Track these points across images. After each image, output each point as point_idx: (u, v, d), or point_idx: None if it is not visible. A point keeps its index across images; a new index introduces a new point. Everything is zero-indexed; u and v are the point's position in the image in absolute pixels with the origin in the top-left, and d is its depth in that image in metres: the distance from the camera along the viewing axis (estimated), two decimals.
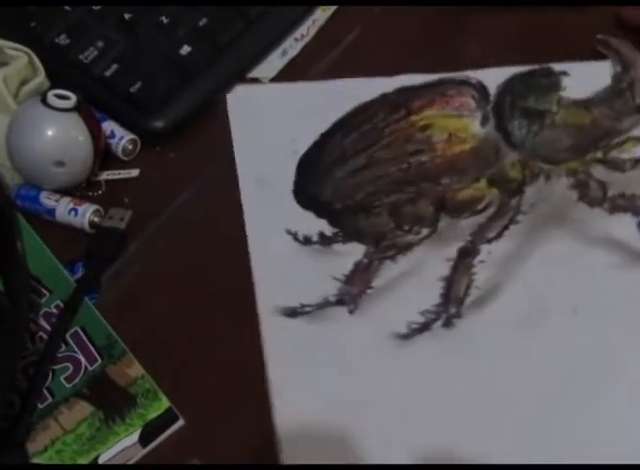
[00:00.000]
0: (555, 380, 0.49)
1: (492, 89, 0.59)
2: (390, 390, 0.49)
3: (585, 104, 0.58)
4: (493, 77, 0.60)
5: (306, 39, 0.64)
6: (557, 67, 0.60)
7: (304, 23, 0.65)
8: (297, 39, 0.64)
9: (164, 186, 0.57)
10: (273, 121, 0.59)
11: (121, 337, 0.51)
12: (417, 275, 0.53)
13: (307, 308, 0.51)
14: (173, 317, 0.52)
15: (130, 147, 0.58)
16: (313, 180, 0.56)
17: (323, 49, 0.64)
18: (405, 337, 0.51)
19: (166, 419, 0.48)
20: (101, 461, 0.47)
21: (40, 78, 0.58)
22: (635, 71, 0.59)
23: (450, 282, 0.52)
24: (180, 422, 0.48)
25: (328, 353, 0.50)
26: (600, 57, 0.61)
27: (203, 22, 0.61)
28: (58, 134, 0.54)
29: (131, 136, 0.58)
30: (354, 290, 0.52)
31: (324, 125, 0.58)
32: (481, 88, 0.59)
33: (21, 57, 0.58)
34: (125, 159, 0.58)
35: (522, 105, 0.58)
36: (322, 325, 0.51)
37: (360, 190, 0.56)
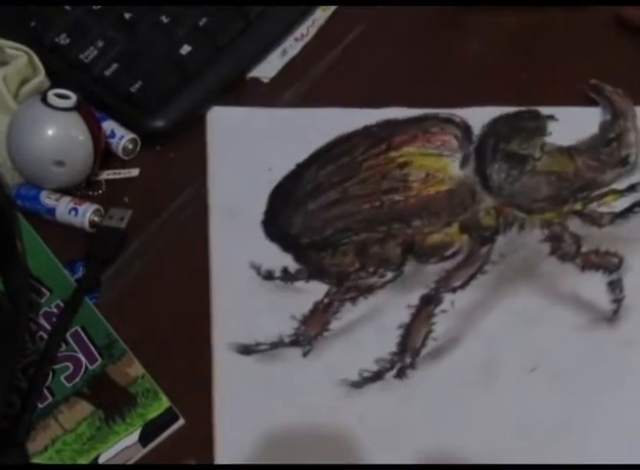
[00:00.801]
0: (506, 439, 0.48)
1: (477, 129, 0.57)
2: (337, 437, 0.48)
3: (569, 151, 0.56)
4: (479, 117, 0.57)
5: (306, 39, 0.63)
6: (544, 110, 0.57)
7: (304, 22, 0.64)
8: (297, 39, 0.63)
9: (165, 186, 0.57)
10: (252, 149, 0.57)
11: (122, 336, 0.50)
12: (376, 320, 0.51)
13: (262, 347, 0.50)
14: (173, 317, 0.51)
15: (130, 146, 0.57)
16: (284, 212, 0.55)
17: (323, 49, 0.62)
18: (356, 385, 0.49)
19: (166, 419, 0.48)
20: (101, 461, 0.47)
21: (40, 78, 0.58)
22: (625, 122, 0.57)
23: (409, 330, 0.51)
24: (180, 422, 0.48)
25: (277, 395, 0.49)
26: (591, 101, 0.59)
27: (203, 21, 0.60)
28: (58, 134, 0.53)
29: (131, 136, 0.57)
30: (311, 331, 0.51)
31: (303, 155, 0.57)
32: (465, 127, 0.57)
33: (21, 56, 0.57)
34: (125, 158, 0.57)
35: (504, 148, 0.56)
36: (274, 366, 0.50)
37: (330, 226, 0.54)
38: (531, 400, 0.49)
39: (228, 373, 0.49)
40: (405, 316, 0.51)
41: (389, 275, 0.52)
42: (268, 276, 0.52)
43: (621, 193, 0.55)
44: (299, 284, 0.52)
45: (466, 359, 0.50)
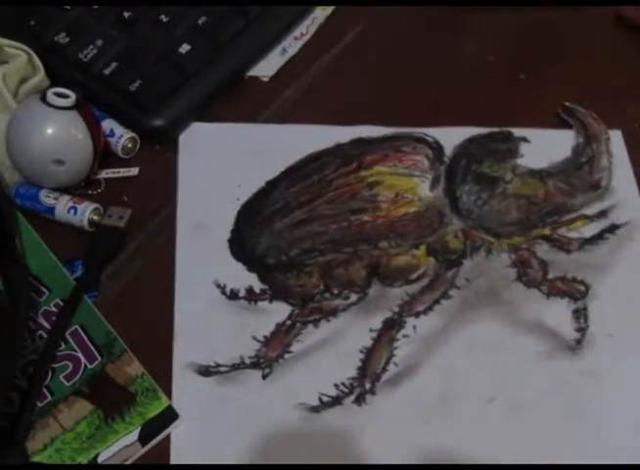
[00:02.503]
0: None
1: (449, 149, 0.55)
2: (295, 462, 0.46)
3: (541, 174, 0.54)
4: (451, 137, 0.55)
5: (306, 38, 0.62)
6: (517, 132, 0.55)
7: (304, 21, 0.62)
8: (296, 38, 0.61)
9: (164, 185, 0.55)
10: (222, 165, 0.55)
11: (121, 335, 0.49)
12: (337, 344, 0.49)
13: (222, 369, 0.48)
14: (173, 316, 0.50)
15: (130, 145, 0.55)
16: (251, 231, 0.52)
17: (323, 47, 0.61)
18: (314, 409, 0.47)
19: (166, 418, 0.46)
20: (100, 460, 0.45)
21: (40, 77, 0.56)
22: (598, 146, 0.54)
23: (370, 355, 0.48)
24: (180, 420, 0.46)
25: (234, 418, 0.47)
26: (564, 123, 0.56)
27: (202, 20, 0.59)
28: (57, 132, 0.51)
29: (131, 134, 0.55)
30: (272, 353, 0.49)
31: (273, 172, 0.55)
32: (437, 147, 0.55)
33: (20, 55, 0.55)
34: (125, 157, 0.56)
35: (475, 169, 0.53)
36: (233, 388, 0.47)
37: (296, 246, 0.52)
38: (489, 431, 0.47)
39: (186, 394, 0.47)
40: (367, 340, 0.49)
41: (354, 297, 0.50)
42: (233, 296, 0.50)
43: (591, 218, 0.53)
44: (263, 304, 0.50)
45: (425, 387, 0.48)
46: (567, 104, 0.56)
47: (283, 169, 0.54)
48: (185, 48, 0.58)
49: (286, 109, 0.58)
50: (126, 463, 0.45)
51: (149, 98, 0.56)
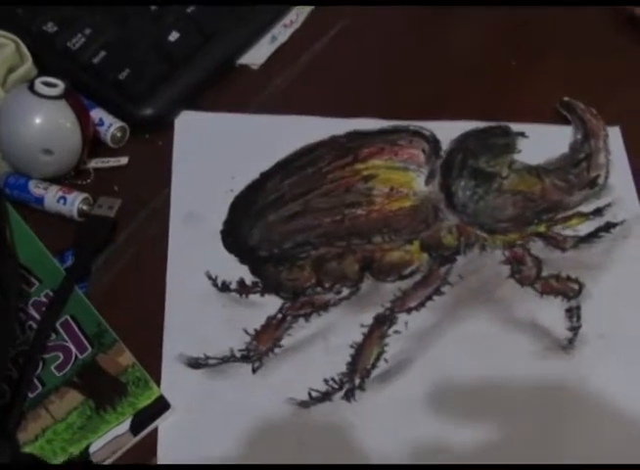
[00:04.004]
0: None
1: (445, 143, 0.53)
2: (283, 457, 0.45)
3: (537, 171, 0.52)
4: (448, 131, 0.53)
5: (296, 25, 0.60)
6: (514, 127, 0.53)
7: (293, 9, 0.60)
8: (285, 25, 0.60)
9: (154, 174, 0.53)
10: (216, 155, 0.53)
11: (112, 325, 0.47)
12: (328, 338, 0.47)
13: (211, 361, 0.47)
14: (164, 306, 0.48)
15: (119, 135, 0.54)
16: (244, 222, 0.51)
17: (314, 35, 0.59)
18: (303, 405, 0.46)
19: (157, 408, 0.45)
20: (92, 450, 0.44)
21: (28, 66, 0.54)
22: (596, 142, 0.52)
23: (360, 350, 0.47)
24: (171, 410, 0.45)
25: (223, 411, 0.45)
26: (563, 119, 0.55)
27: (191, 8, 0.57)
28: (45, 122, 0.50)
29: (120, 124, 0.54)
30: (262, 347, 0.47)
31: (267, 163, 0.53)
32: (434, 141, 0.53)
33: (8, 44, 0.54)
34: (114, 146, 0.54)
35: (472, 164, 0.52)
36: (222, 381, 0.46)
37: (290, 239, 0.50)
38: (479, 428, 0.45)
39: (175, 386, 0.46)
40: (358, 336, 0.47)
41: (346, 292, 0.49)
42: (224, 288, 0.49)
43: (587, 216, 0.51)
44: (254, 297, 0.49)
45: (415, 384, 0.46)
46: (566, 99, 0.54)
47: (277, 161, 0.53)
48: (174, 36, 0.56)
49: (277, 98, 0.56)
50: (118, 453, 0.44)
51: (138, 87, 0.55)
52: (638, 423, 0.46)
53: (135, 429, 0.45)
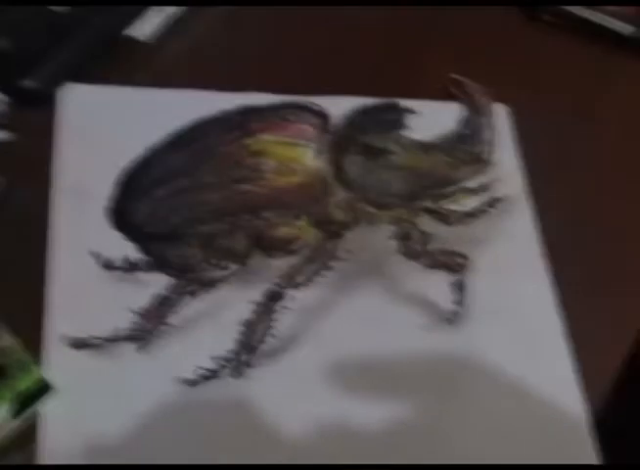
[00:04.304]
0: (342, 441, 0.45)
1: (335, 119, 0.53)
2: (172, 438, 0.44)
3: (426, 147, 0.52)
4: (338, 106, 0.53)
5: None
6: (404, 103, 0.53)
7: None
8: None
9: (37, 149, 0.51)
10: (102, 129, 0.51)
11: None
12: (216, 316, 0.47)
13: (95, 341, 0.45)
14: (46, 284, 0.47)
15: (1, 109, 0.52)
16: (130, 199, 0.49)
17: (203, 8, 0.58)
18: (191, 383, 0.45)
19: (39, 390, 0.44)
20: None
21: None
22: (482, 119, 0.53)
23: (248, 327, 0.46)
24: (53, 393, 0.44)
25: (109, 392, 0.44)
26: (452, 96, 0.55)
27: None
28: None
29: (1, 97, 0.52)
30: (148, 325, 0.46)
31: (155, 138, 0.51)
32: (323, 117, 0.52)
33: None
34: None
35: (361, 140, 0.51)
36: (107, 361, 0.45)
37: (177, 215, 0.49)
38: (367, 402, 0.46)
39: (58, 368, 0.45)
40: (246, 312, 0.47)
41: (234, 268, 0.48)
42: (108, 265, 0.48)
43: (473, 191, 0.51)
44: (140, 275, 0.48)
45: (304, 359, 0.46)
46: (454, 76, 0.54)
47: (165, 136, 0.51)
48: (59, 6, 0.55)
49: (165, 71, 0.55)
50: None
51: (21, 58, 0.53)
52: (521, 393, 0.47)
53: (16, 412, 0.43)
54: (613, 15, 0.59)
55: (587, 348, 0.48)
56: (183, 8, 0.58)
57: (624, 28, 0.58)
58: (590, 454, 0.45)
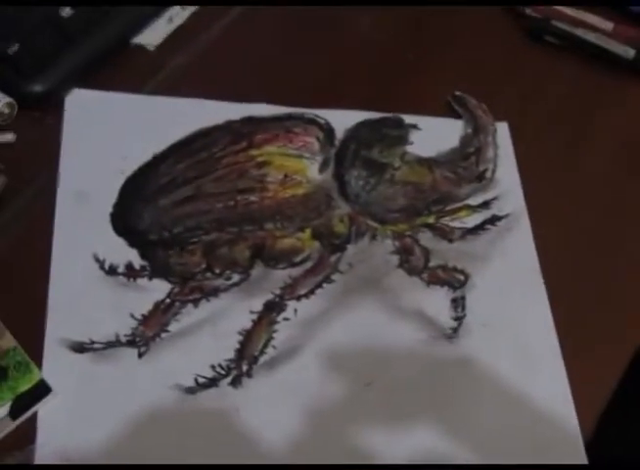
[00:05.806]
0: (338, 452, 0.44)
1: (340, 132, 0.53)
2: (168, 444, 0.43)
3: (429, 163, 0.52)
4: (343, 120, 0.53)
5: (193, 8, 0.58)
6: (408, 119, 0.53)
7: None
8: (183, 7, 0.58)
9: (42, 152, 0.51)
10: (107, 135, 0.51)
11: None
12: (216, 325, 0.46)
13: (96, 345, 0.45)
14: (48, 287, 0.46)
15: (7, 111, 0.51)
16: (134, 205, 0.49)
17: (210, 18, 0.58)
18: (190, 391, 0.45)
19: (38, 392, 0.43)
20: None
21: None
22: (485, 137, 0.53)
23: (249, 337, 0.46)
24: (52, 395, 0.43)
25: (107, 397, 0.44)
26: (454, 112, 0.55)
27: None
28: None
29: (8, 99, 0.52)
30: (148, 332, 0.46)
31: (160, 146, 0.51)
32: (329, 130, 0.52)
33: None
34: (1, 123, 0.52)
35: (365, 154, 0.51)
36: (107, 366, 0.44)
37: (180, 223, 0.49)
38: (364, 415, 0.45)
39: (57, 370, 0.44)
40: (247, 322, 0.46)
41: (236, 278, 0.48)
42: (111, 271, 0.47)
43: (475, 209, 0.51)
44: (142, 281, 0.47)
45: (303, 371, 0.46)
46: (458, 93, 0.55)
47: (170, 144, 0.51)
48: (67, 12, 0.54)
49: (172, 80, 0.55)
50: None
51: (28, 62, 0.53)
52: (518, 406, 0.47)
53: (14, 413, 0.43)
54: (615, 38, 0.59)
55: (583, 363, 0.48)
56: (190, 18, 0.58)
57: (627, 52, 0.58)
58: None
